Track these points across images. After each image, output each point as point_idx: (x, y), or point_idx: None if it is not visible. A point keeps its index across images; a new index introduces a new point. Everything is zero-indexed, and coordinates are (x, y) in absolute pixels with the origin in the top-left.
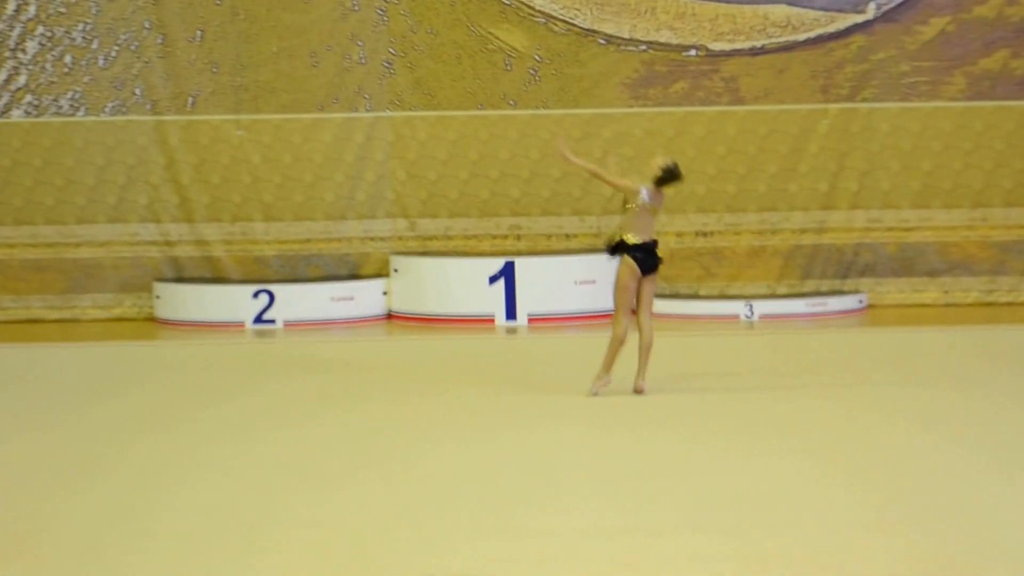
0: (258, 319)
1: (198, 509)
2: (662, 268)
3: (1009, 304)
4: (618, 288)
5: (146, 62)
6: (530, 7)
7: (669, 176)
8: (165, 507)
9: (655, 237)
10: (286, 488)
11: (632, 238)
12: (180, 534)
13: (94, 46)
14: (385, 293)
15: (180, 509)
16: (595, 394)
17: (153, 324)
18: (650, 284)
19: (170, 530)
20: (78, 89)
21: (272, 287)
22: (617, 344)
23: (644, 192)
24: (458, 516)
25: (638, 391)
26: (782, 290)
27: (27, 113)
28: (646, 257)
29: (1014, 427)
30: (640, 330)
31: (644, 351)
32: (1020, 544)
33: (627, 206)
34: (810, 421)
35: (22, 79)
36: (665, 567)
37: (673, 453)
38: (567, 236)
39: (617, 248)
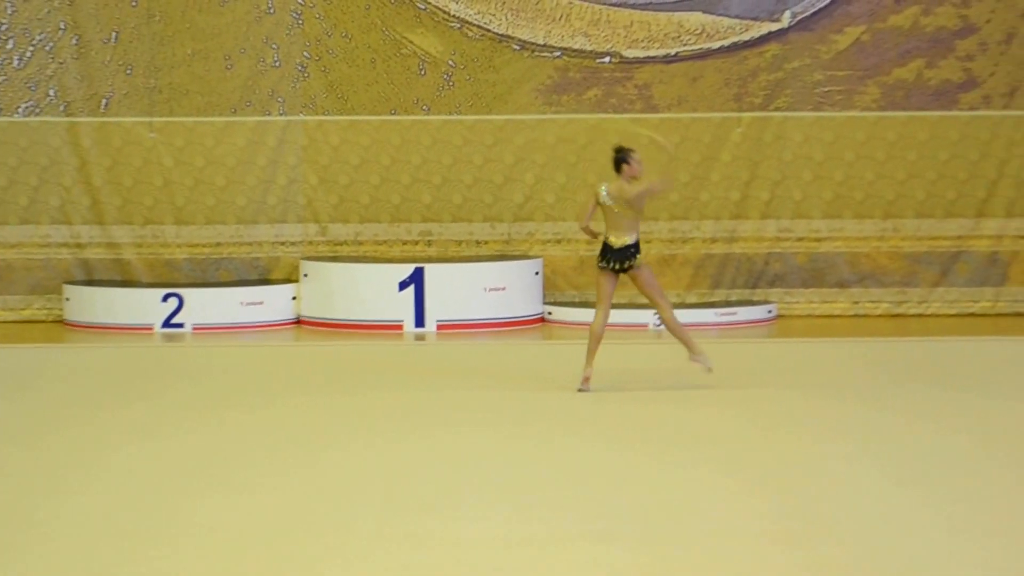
0: (167, 323)
1: (96, 512)
2: (574, 276)
3: (918, 316)
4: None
5: (60, 63)
6: (445, 12)
7: (615, 155)
8: (62, 510)
9: (630, 234)
10: (186, 492)
11: (606, 239)
12: (76, 537)
13: (8, 46)
14: (294, 298)
15: (77, 512)
16: (580, 391)
17: (62, 327)
18: (640, 280)
19: (66, 533)
20: None
21: (182, 291)
22: (591, 338)
23: (603, 191)
24: (362, 523)
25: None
26: (692, 299)
27: None
28: (610, 256)
29: (919, 440)
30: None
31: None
32: (921, 557)
33: (602, 212)
34: (718, 430)
35: None
36: None
37: (582, 461)
38: (478, 243)
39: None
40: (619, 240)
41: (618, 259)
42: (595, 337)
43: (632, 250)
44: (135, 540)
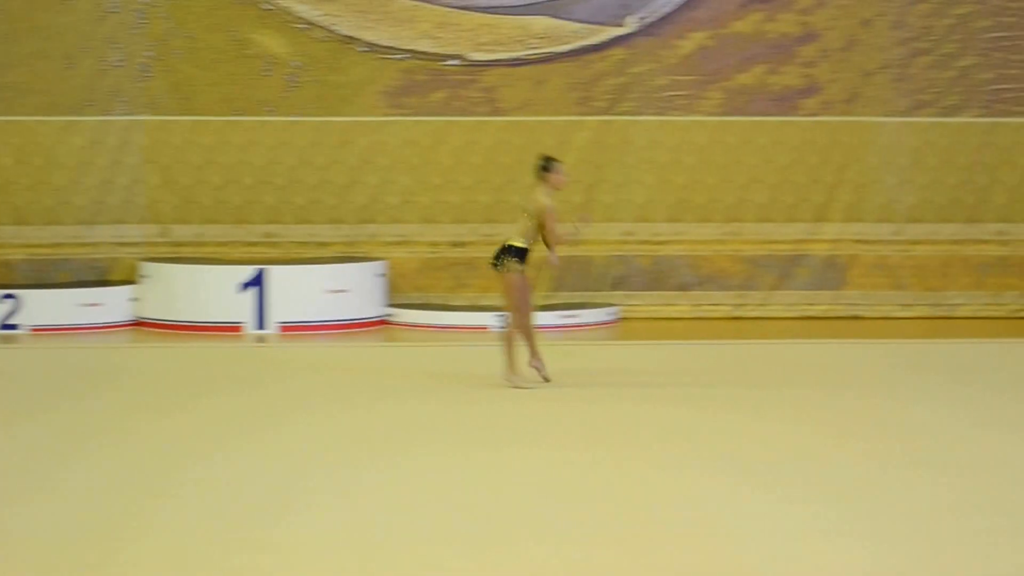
0: (3, 324)
1: None
2: (417, 278)
3: (757, 319)
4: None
5: None
6: (290, 13)
7: (541, 163)
8: None
9: (520, 239)
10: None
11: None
12: None
13: None
14: (134, 299)
15: None
16: (530, 383)
17: None
18: (503, 284)
19: None
20: None
21: (19, 292)
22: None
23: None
24: (202, 529)
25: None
26: (534, 302)
27: None
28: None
29: (759, 441)
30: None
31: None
32: (763, 558)
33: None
34: (552, 431)
35: None
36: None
37: (420, 464)
38: (321, 244)
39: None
40: (509, 240)
41: (496, 256)
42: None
43: (510, 252)
44: None
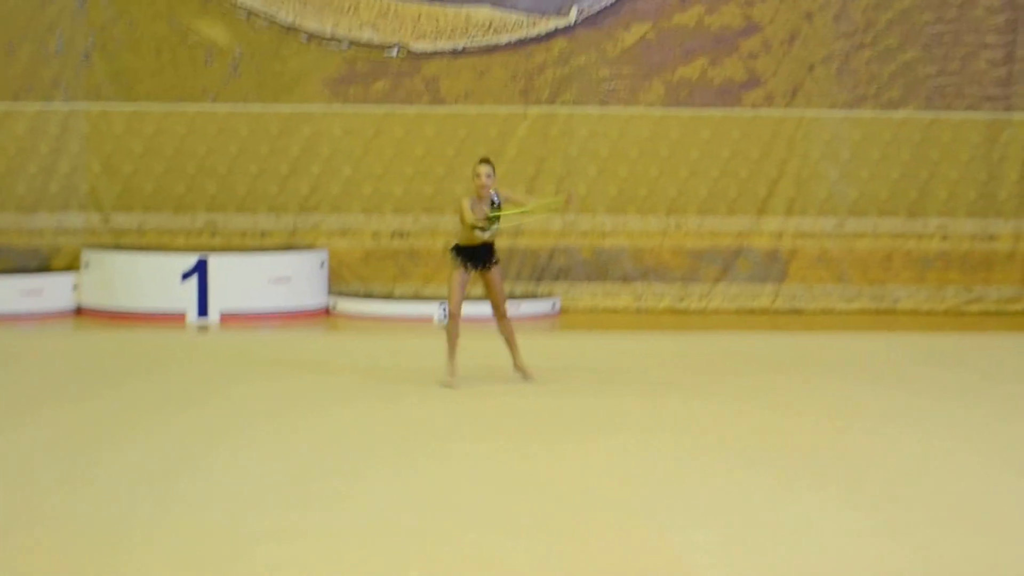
0: None
1: None
2: (359, 268)
3: (700, 311)
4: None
5: None
6: (232, 2)
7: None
8: None
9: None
10: None
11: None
12: None
13: None
14: (75, 287)
15: None
16: (447, 386)
17: None
18: (493, 278)
19: None
20: None
21: None
22: (453, 336)
23: (466, 202)
24: (138, 518)
25: (518, 368)
26: (477, 292)
27: None
28: (468, 258)
29: (703, 429)
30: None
31: (508, 344)
32: (707, 546)
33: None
34: (496, 422)
35: None
36: (358, 570)
37: (362, 452)
38: (262, 233)
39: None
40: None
41: (482, 258)
42: (455, 336)
43: (493, 248)
44: None
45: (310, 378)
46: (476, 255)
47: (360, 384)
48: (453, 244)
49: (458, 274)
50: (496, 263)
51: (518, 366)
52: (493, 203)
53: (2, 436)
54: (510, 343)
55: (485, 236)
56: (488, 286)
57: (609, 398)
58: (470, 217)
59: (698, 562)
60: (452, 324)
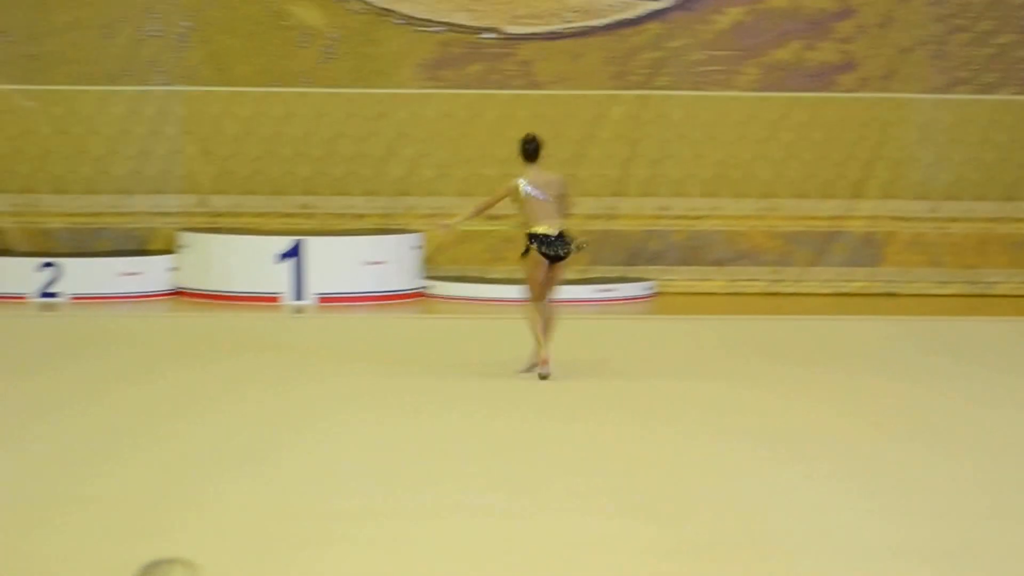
0: (44, 292)
1: None
2: (453, 251)
3: (793, 295)
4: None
5: None
6: None
7: (524, 146)
8: None
9: (559, 220)
10: (66, 464)
11: (537, 229)
12: None
13: None
14: (172, 269)
15: None
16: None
17: None
18: (558, 271)
19: None
20: None
21: (59, 260)
22: (538, 322)
23: (522, 184)
24: (235, 496)
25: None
26: (570, 275)
27: None
28: (543, 246)
29: (789, 416)
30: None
31: (546, 329)
32: (798, 528)
33: (519, 204)
34: (587, 407)
35: None
36: (439, 549)
37: (453, 435)
38: (357, 216)
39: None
40: (553, 228)
41: (559, 246)
42: (541, 321)
43: (568, 237)
44: (24, 512)
45: (402, 360)
46: (548, 242)
47: (451, 366)
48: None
49: (529, 258)
50: (568, 254)
51: (542, 357)
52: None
53: (100, 408)
54: (546, 328)
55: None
56: (549, 270)
57: (701, 381)
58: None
59: (782, 544)
60: (533, 308)
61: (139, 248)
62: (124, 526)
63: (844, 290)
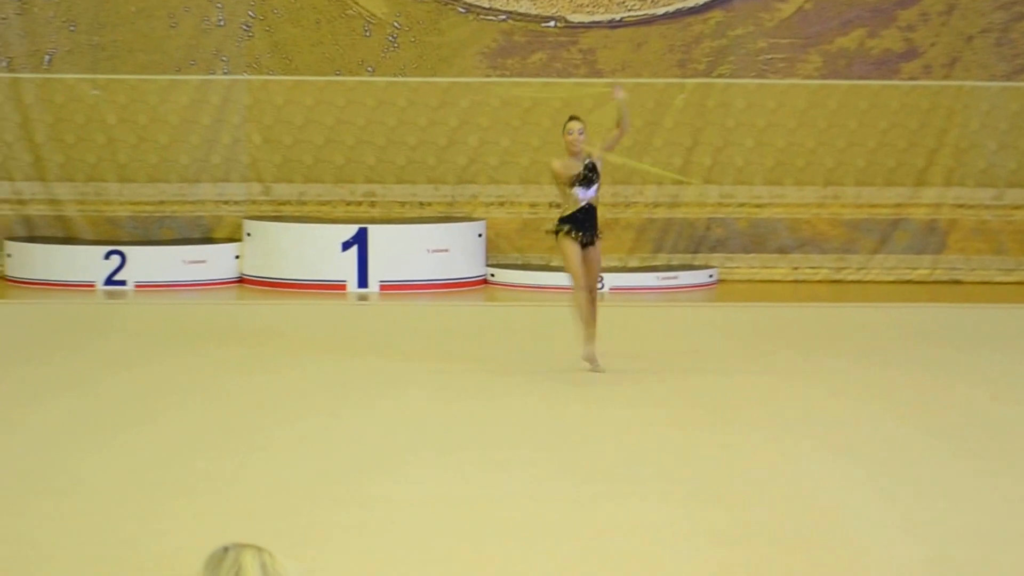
0: (109, 280)
1: (25, 466)
2: (517, 238)
3: (857, 282)
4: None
5: (3, 18)
6: None
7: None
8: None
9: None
10: (110, 449)
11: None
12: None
13: None
14: (237, 257)
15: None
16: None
17: (4, 283)
18: (591, 254)
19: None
20: None
21: (124, 248)
22: (583, 313)
23: (557, 163)
24: (302, 483)
25: (587, 358)
26: (633, 263)
27: None
28: (575, 227)
29: (849, 408)
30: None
31: (587, 325)
32: (854, 522)
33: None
34: (649, 396)
35: None
36: (506, 535)
37: (517, 422)
38: (421, 204)
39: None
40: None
41: (588, 227)
42: (586, 312)
43: (596, 217)
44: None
45: (464, 347)
46: (582, 224)
47: (514, 354)
48: (558, 219)
49: (568, 244)
50: (599, 237)
51: (587, 355)
52: (586, 165)
53: (170, 397)
54: (588, 325)
55: (582, 198)
56: (585, 261)
57: (763, 372)
58: (563, 174)
59: (849, 524)
60: (581, 297)
61: (204, 236)
62: (189, 515)
63: (908, 278)
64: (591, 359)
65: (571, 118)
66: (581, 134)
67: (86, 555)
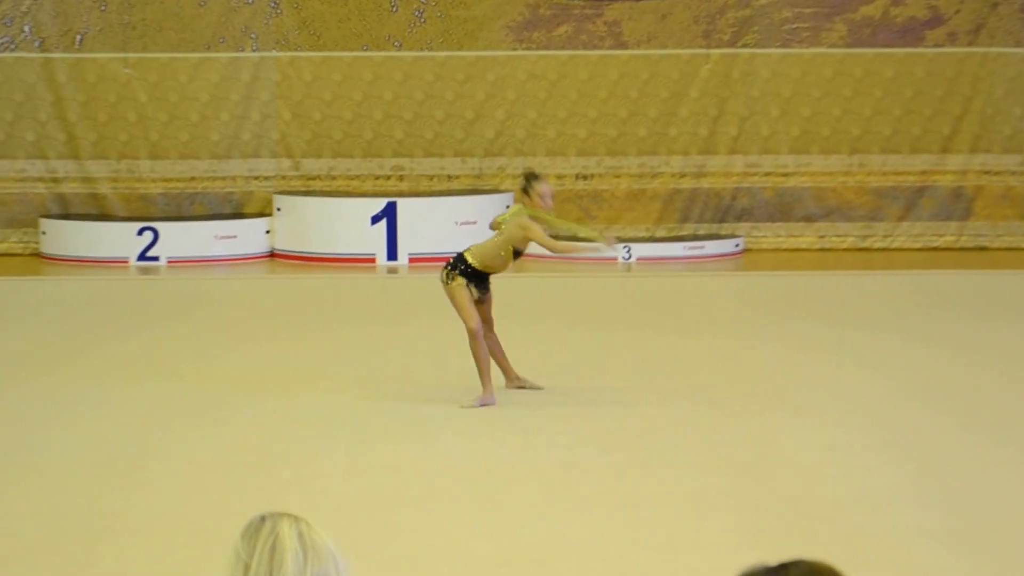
0: (142, 256)
1: (78, 445)
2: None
3: (883, 250)
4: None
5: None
6: None
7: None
8: (47, 442)
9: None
10: (164, 425)
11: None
12: (60, 469)
13: None
14: (268, 232)
15: (61, 445)
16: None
17: (39, 260)
18: (487, 296)
19: (51, 465)
20: None
21: (157, 224)
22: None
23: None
24: (332, 454)
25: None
26: (660, 233)
27: None
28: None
29: (880, 372)
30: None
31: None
32: (874, 490)
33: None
34: (685, 363)
35: None
36: (540, 504)
37: (544, 393)
38: (449, 177)
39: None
40: (467, 251)
41: (485, 282)
42: (493, 355)
43: (461, 264)
44: (120, 470)
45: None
46: (482, 282)
47: (544, 325)
48: (466, 265)
49: (464, 293)
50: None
51: (513, 379)
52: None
53: (203, 367)
54: (499, 357)
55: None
56: (481, 303)
57: (790, 339)
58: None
59: (883, 492)
60: (478, 344)
61: (235, 212)
62: (226, 484)
63: (934, 245)
64: (521, 382)
65: (539, 177)
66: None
67: (117, 528)
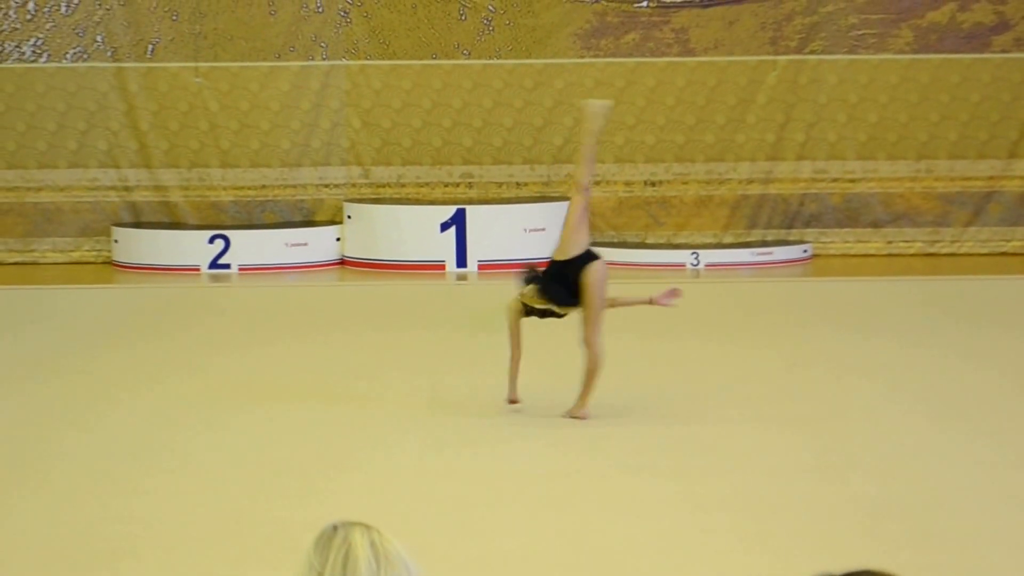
0: (214, 264)
1: (171, 455)
2: (613, 217)
3: (951, 255)
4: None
5: (107, 9)
6: None
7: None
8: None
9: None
10: (211, 425)
11: None
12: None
13: None
14: (338, 239)
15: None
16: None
17: (111, 268)
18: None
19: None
20: (40, 36)
21: (228, 232)
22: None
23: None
24: (400, 459)
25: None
26: (728, 239)
27: None
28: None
29: (951, 377)
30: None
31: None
32: (952, 490)
33: None
34: (752, 369)
35: None
36: (609, 509)
37: (611, 400)
38: (518, 184)
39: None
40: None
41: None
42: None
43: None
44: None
45: (567, 323)
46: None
47: (611, 329)
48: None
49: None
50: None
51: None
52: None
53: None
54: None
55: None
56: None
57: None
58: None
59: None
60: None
61: (305, 220)
62: (292, 490)
63: (1002, 249)
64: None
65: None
66: None
67: (195, 533)
